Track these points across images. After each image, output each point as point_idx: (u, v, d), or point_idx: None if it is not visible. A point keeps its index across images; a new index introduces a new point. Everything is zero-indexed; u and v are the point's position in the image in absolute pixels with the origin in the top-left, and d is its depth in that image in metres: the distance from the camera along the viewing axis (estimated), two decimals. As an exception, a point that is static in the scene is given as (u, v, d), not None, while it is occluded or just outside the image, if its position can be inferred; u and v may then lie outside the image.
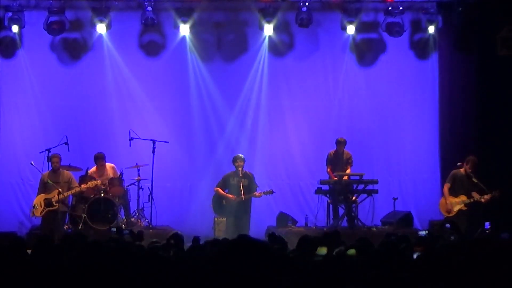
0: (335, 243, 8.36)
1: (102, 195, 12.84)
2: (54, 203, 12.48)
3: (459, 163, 12.97)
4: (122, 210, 13.36)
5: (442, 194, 13.15)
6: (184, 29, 14.40)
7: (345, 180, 13.62)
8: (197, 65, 14.81)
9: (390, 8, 14.46)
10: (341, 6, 14.70)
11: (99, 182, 12.82)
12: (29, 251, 6.49)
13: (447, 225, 11.55)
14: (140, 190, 13.51)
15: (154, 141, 13.60)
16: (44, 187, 12.67)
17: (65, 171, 12.91)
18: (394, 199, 14.01)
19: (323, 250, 7.07)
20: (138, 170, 13.50)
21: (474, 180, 12.63)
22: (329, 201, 13.61)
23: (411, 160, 15.10)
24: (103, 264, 4.26)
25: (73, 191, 12.72)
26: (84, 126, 14.61)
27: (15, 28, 13.97)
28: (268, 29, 14.52)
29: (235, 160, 13.38)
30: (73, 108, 14.59)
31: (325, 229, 12.38)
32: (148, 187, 13.53)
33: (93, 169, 13.33)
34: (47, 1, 14.13)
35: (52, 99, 14.53)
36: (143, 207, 13.57)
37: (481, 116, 14.40)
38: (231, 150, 14.27)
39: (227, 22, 14.92)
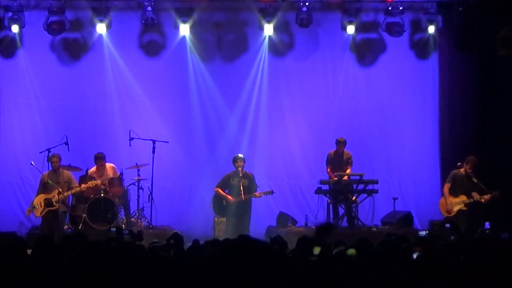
0: (328, 236, 8.40)
1: (102, 195, 12.85)
2: (54, 203, 12.48)
3: (459, 163, 12.98)
4: (122, 210, 13.36)
5: (442, 194, 13.16)
6: (184, 29, 14.40)
7: (345, 180, 13.61)
8: (197, 65, 14.81)
9: (390, 8, 14.46)
10: (341, 6, 14.69)
11: (99, 182, 12.82)
12: (29, 251, 6.49)
13: (447, 225, 11.56)
14: (140, 190, 13.51)
15: (154, 141, 13.60)
16: (44, 187, 12.67)
17: (65, 171, 12.91)
18: (394, 199, 14.02)
19: (317, 250, 7.08)
20: (138, 170, 13.49)
21: (474, 180, 12.63)
22: (329, 201, 13.61)
23: (411, 160, 15.10)
24: (103, 264, 4.26)
25: (73, 191, 12.72)
26: (84, 126, 14.61)
27: (15, 28, 13.97)
28: (268, 29, 14.52)
29: (235, 160, 13.38)
30: (73, 108, 14.59)
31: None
32: (148, 187, 13.53)
33: (93, 169, 13.33)
34: (47, 1, 14.12)
35: (52, 99, 14.52)
36: (143, 207, 13.57)
37: (481, 116, 14.40)
38: (231, 150, 14.26)
39: (227, 22, 14.92)
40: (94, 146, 14.00)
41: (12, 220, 13.95)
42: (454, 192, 12.79)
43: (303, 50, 15.01)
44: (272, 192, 13.44)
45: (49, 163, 12.86)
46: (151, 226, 13.17)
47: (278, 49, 14.95)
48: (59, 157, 12.80)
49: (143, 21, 14.25)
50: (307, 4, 14.25)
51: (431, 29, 14.66)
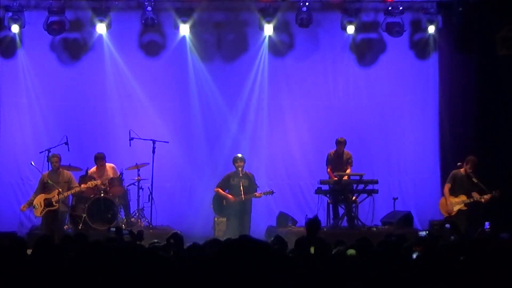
0: (319, 230, 8.46)
1: (102, 195, 12.85)
2: (54, 203, 12.48)
3: (459, 163, 12.98)
4: (122, 210, 13.36)
5: (443, 194, 13.16)
6: (184, 29, 14.40)
7: (345, 180, 13.61)
8: (197, 65, 14.81)
9: (390, 8, 14.46)
10: (341, 6, 14.69)
11: (99, 182, 12.82)
12: (29, 251, 6.49)
13: (447, 225, 11.56)
14: (140, 190, 13.51)
15: (154, 141, 13.60)
16: (43, 187, 12.67)
17: (65, 171, 12.91)
18: (394, 199, 14.02)
19: (312, 249, 7.11)
20: (138, 170, 13.49)
21: (474, 180, 12.63)
22: (329, 201, 13.61)
23: (411, 160, 15.11)
24: (103, 264, 4.26)
25: (73, 191, 12.72)
26: (84, 126, 14.61)
27: (15, 28, 13.97)
28: (268, 29, 14.52)
29: (235, 160, 13.38)
30: (73, 108, 14.59)
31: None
32: (148, 187, 13.53)
33: (93, 169, 13.33)
34: (47, 1, 14.13)
35: (52, 99, 14.52)
36: (143, 207, 13.57)
37: (481, 116, 14.40)
38: (231, 150, 14.26)
39: (227, 22, 14.92)
40: (94, 146, 14.00)
41: (12, 220, 13.94)
42: (454, 192, 12.79)
43: (303, 50, 15.01)
44: (272, 192, 13.44)
45: (49, 163, 12.86)
46: (151, 226, 13.17)
47: (278, 49, 14.95)
48: (59, 157, 12.79)
49: (143, 21, 14.25)
50: (307, 4, 14.25)
51: (431, 29, 14.66)
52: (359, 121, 15.04)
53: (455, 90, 14.78)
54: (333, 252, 6.90)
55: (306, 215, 13.80)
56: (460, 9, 14.29)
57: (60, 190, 12.46)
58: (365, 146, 14.90)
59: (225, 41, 14.94)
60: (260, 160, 14.67)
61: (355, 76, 15.12)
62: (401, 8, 14.44)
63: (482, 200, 12.57)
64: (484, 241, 6.26)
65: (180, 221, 13.78)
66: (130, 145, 13.55)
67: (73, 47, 14.63)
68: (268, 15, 14.42)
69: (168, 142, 13.95)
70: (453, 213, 12.67)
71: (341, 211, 13.61)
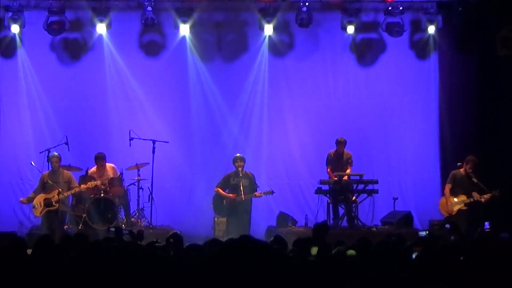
0: (326, 235, 8.46)
1: (102, 195, 12.85)
2: (53, 203, 12.49)
3: (459, 163, 12.98)
4: (122, 210, 13.36)
5: (443, 194, 13.16)
6: (184, 29, 14.40)
7: (345, 180, 13.61)
8: (197, 65, 14.81)
9: (390, 8, 14.46)
10: (341, 6, 14.69)
11: (98, 182, 12.82)
12: (29, 251, 6.49)
13: (447, 225, 11.56)
14: (140, 190, 13.51)
15: (154, 141, 13.60)
16: (43, 187, 12.67)
17: (65, 171, 12.91)
18: (394, 199, 14.02)
19: (314, 250, 7.10)
20: (138, 170, 13.49)
21: (474, 180, 12.63)
22: (329, 201, 13.61)
23: (411, 160, 15.10)
24: (103, 264, 4.26)
25: (72, 191, 12.73)
26: (84, 126, 14.61)
27: (15, 28, 13.97)
28: (268, 29, 14.52)
29: (235, 160, 13.38)
30: (73, 108, 14.59)
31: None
32: (148, 187, 13.53)
33: (93, 169, 13.34)
34: (47, 1, 14.12)
35: (52, 99, 14.52)
36: (143, 207, 13.57)
37: (481, 116, 14.40)
38: (231, 150, 14.26)
39: (227, 22, 14.92)
40: (94, 146, 14.00)
41: (12, 220, 13.93)
42: (454, 192, 12.80)
43: (303, 50, 15.01)
44: (272, 192, 13.44)
45: (49, 163, 12.86)
46: (151, 226, 13.17)
47: (278, 49, 14.95)
48: (59, 157, 12.80)
49: (143, 21, 14.25)
50: (307, 4, 14.25)
51: (431, 29, 14.66)
52: (359, 121, 15.04)
53: (455, 90, 14.78)
54: (333, 252, 6.90)
55: (306, 215, 13.85)
56: (460, 9, 14.29)
57: (60, 190, 12.47)
58: (365, 146, 14.90)
59: (225, 41, 14.94)
60: (260, 160, 14.68)
61: (355, 76, 15.12)
62: (401, 8, 14.44)
63: (482, 199, 12.57)
64: (484, 241, 6.27)
65: (180, 221, 13.78)
66: (130, 145, 13.55)
67: (73, 47, 14.63)
68: (268, 15, 14.41)
69: (168, 142, 13.95)
70: (453, 213, 12.68)
71: (341, 211, 13.61)
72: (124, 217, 13.29)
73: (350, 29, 14.53)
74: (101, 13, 14.11)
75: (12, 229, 13.20)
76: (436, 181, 14.74)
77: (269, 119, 15.04)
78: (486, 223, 12.41)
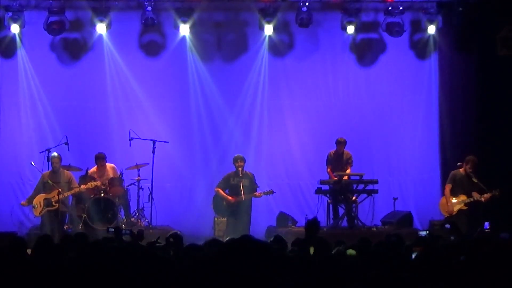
0: (318, 231, 8.49)
1: (102, 195, 12.85)
2: (53, 203, 12.49)
3: (459, 163, 12.98)
4: (122, 210, 13.36)
5: (443, 194, 13.16)
6: (184, 29, 14.39)
7: (345, 180, 13.61)
8: (197, 65, 14.81)
9: (390, 8, 14.45)
10: (341, 6, 14.69)
11: (98, 183, 12.81)
12: (29, 251, 6.49)
13: (447, 225, 11.56)
14: (140, 190, 13.51)
15: (154, 141, 13.60)
16: (43, 187, 12.67)
17: (66, 172, 12.92)
18: (394, 199, 14.01)
19: (312, 250, 7.11)
20: (138, 170, 13.49)
21: (474, 180, 12.63)
22: (329, 201, 13.61)
23: (411, 160, 15.10)
24: (103, 264, 4.26)
25: (72, 191, 12.73)
26: (84, 126, 14.61)
27: (15, 28, 13.97)
28: (268, 29, 14.51)
29: (235, 160, 13.38)
30: (73, 108, 14.59)
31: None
32: (148, 187, 13.53)
33: (94, 169, 13.34)
34: (47, 1, 14.12)
35: (52, 99, 14.52)
36: (143, 207, 13.57)
37: (481, 116, 14.40)
38: (231, 150, 14.26)
39: (227, 22, 14.92)
40: (94, 146, 14.00)
41: (12, 220, 13.93)
42: (454, 192, 12.80)
43: (303, 50, 15.00)
44: (272, 192, 13.44)
45: (49, 163, 12.86)
46: (151, 226, 13.17)
47: (278, 49, 14.95)
48: (60, 157, 12.81)
49: (143, 21, 14.25)
50: (307, 4, 14.25)
51: (431, 29, 14.65)
52: (359, 121, 15.04)
53: (455, 90, 14.77)
54: (333, 252, 6.90)
55: (306, 215, 13.80)
56: (460, 9, 14.29)
57: (60, 190, 12.47)
58: (365, 146, 14.90)
59: (225, 41, 14.93)
60: (260, 160, 14.67)
61: (355, 76, 15.12)
62: (401, 8, 14.43)
63: (482, 199, 12.57)
64: (484, 241, 6.26)
65: (180, 221, 13.78)
66: (130, 145, 13.55)
67: (73, 47, 14.63)
68: (268, 15, 14.41)
69: (168, 142, 13.95)
70: (454, 213, 12.68)
71: (341, 211, 13.61)
72: (124, 217, 13.29)
73: (350, 29, 14.53)
74: (101, 13, 14.11)
75: (12, 229, 13.20)
76: (436, 181, 14.74)
77: (269, 119, 15.03)
78: (486, 223, 12.41)
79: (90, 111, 14.63)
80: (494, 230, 12.01)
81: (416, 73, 15.17)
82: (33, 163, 13.06)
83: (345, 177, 13.64)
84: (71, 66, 14.65)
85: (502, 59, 14.13)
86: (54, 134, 13.97)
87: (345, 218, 13.50)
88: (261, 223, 13.75)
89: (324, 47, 15.06)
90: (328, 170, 13.88)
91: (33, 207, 12.68)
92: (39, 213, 12.64)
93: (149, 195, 13.46)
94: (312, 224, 9.06)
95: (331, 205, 13.59)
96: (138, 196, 13.47)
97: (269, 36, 14.73)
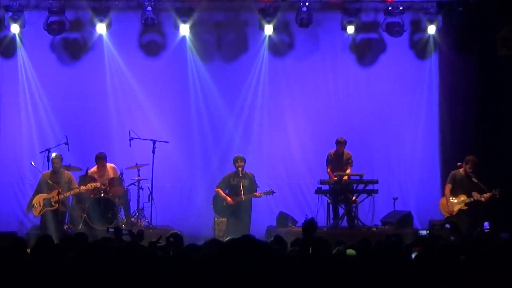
0: (315, 231, 8.50)
1: (102, 195, 12.85)
2: (53, 203, 12.50)
3: (459, 163, 12.98)
4: (122, 210, 13.36)
5: (443, 194, 13.16)
6: (184, 29, 14.40)
7: (345, 180, 13.62)
8: (197, 65, 14.81)
9: (390, 8, 14.45)
10: (341, 6, 14.69)
11: (98, 184, 12.79)
12: (29, 251, 6.49)
13: (447, 225, 11.56)
14: (140, 190, 13.51)
15: (154, 141, 13.60)
16: (43, 187, 12.67)
17: (66, 172, 12.92)
18: (394, 199, 14.01)
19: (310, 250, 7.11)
20: (138, 170, 13.49)
21: (474, 180, 12.63)
22: (329, 201, 13.61)
23: (411, 160, 15.10)
24: (103, 264, 4.26)
25: (72, 192, 12.73)
26: (84, 126, 14.61)
27: (15, 28, 13.97)
28: (268, 29, 14.51)
29: (235, 160, 13.38)
30: (73, 108, 14.59)
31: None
32: (148, 187, 13.53)
33: (94, 168, 13.34)
34: (47, 1, 14.12)
35: (52, 99, 14.53)
36: (143, 207, 13.57)
37: (481, 116, 14.40)
38: (231, 150, 14.27)
39: (227, 22, 14.92)
40: (94, 146, 14.01)
41: (12, 220, 13.94)
42: (454, 192, 12.80)
43: (303, 50, 15.01)
44: (272, 192, 13.44)
45: (49, 163, 12.87)
46: (151, 226, 13.17)
47: (278, 49, 14.95)
48: (61, 157, 12.82)
49: (143, 21, 14.25)
50: (307, 4, 14.25)
51: (431, 29, 14.65)
52: (359, 121, 15.04)
53: (455, 90, 14.77)
54: (333, 252, 6.90)
55: (306, 215, 13.80)
56: (460, 9, 14.29)
57: (61, 190, 12.47)
58: (365, 146, 14.90)
59: (225, 41, 14.94)
60: (260, 160, 14.67)
61: (355, 76, 15.12)
62: (401, 8, 14.44)
63: (482, 199, 12.57)
64: (484, 241, 6.27)
65: (180, 221, 13.77)
66: (130, 145, 13.54)
67: (73, 47, 14.64)
68: (268, 15, 14.41)
69: (168, 142, 13.95)
70: (454, 213, 12.68)
71: (341, 211, 13.61)
72: (124, 217, 13.29)
73: (350, 29, 14.53)
74: (101, 13, 14.11)
75: (12, 229, 13.21)
76: (436, 181, 14.74)
77: (269, 119, 15.03)
78: (486, 223, 12.41)
79: (90, 111, 14.63)
80: (494, 230, 12.01)
81: (416, 73, 15.17)
82: (33, 163, 13.07)
83: (345, 177, 13.64)
84: (71, 66, 14.65)
85: (502, 59, 14.13)
86: (54, 134, 13.98)
87: (345, 218, 13.50)
88: (261, 223, 13.74)
89: (324, 47, 15.06)
90: (328, 170, 13.88)
91: (33, 206, 12.68)
92: (38, 213, 12.65)
93: (149, 195, 13.46)
94: (309, 225, 9.07)
95: (331, 205, 13.59)
96: (138, 196, 13.47)
97: (269, 36, 14.73)
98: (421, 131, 15.13)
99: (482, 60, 14.38)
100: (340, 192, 13.54)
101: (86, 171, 13.20)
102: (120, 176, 13.33)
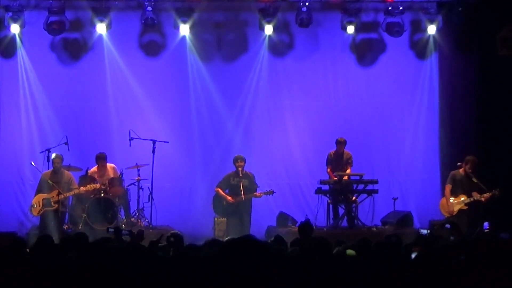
0: (311, 233, 8.52)
1: (102, 195, 12.85)
2: (52, 203, 12.50)
3: (459, 163, 12.98)
4: (122, 210, 13.36)
5: (443, 195, 13.16)
6: (184, 29, 14.40)
7: (345, 180, 13.62)
8: (197, 65, 14.81)
9: (390, 8, 14.45)
10: (341, 6, 14.69)
11: (97, 186, 12.79)
12: (29, 251, 6.49)
13: (447, 226, 11.55)
14: (140, 190, 13.51)
15: (154, 141, 13.60)
16: (43, 187, 12.67)
17: (66, 172, 12.93)
18: (394, 199, 14.01)
19: None
20: (138, 170, 13.50)
21: (474, 180, 12.63)
22: (329, 201, 13.61)
23: (411, 160, 15.10)
24: (103, 264, 4.26)
25: (72, 192, 12.74)
26: (84, 126, 14.62)
27: (15, 28, 13.97)
28: (268, 29, 14.51)
29: (235, 160, 13.38)
30: (73, 108, 14.60)
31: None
32: (148, 187, 13.53)
33: (94, 168, 13.34)
34: (47, 1, 14.12)
35: (52, 99, 14.53)
36: (143, 207, 13.57)
37: (481, 116, 14.40)
38: (231, 150, 14.27)
39: (227, 22, 14.92)
40: (94, 146, 14.01)
41: (12, 220, 13.95)
42: (454, 193, 12.81)
43: (303, 50, 15.01)
44: (272, 192, 13.45)
45: (49, 163, 12.87)
46: (151, 226, 13.18)
47: (278, 49, 14.96)
48: (61, 157, 12.83)
49: (143, 21, 14.25)
50: (307, 4, 14.25)
51: (431, 29, 14.65)
52: (359, 121, 15.05)
53: (455, 90, 14.77)
54: (333, 252, 6.90)
55: (306, 215, 13.83)
56: (460, 9, 14.29)
57: (61, 190, 12.47)
58: (365, 146, 14.90)
59: (225, 41, 14.94)
60: (260, 160, 14.67)
61: (355, 76, 15.13)
62: (401, 8, 14.44)
63: (482, 199, 12.57)
64: (484, 241, 6.27)
65: (180, 221, 13.78)
66: (130, 145, 13.55)
67: (73, 47, 14.64)
68: (268, 15, 14.41)
69: (168, 142, 13.96)
70: (454, 213, 12.68)
71: (341, 211, 13.62)
72: (124, 217, 13.29)
73: (350, 29, 14.53)
74: (101, 13, 14.11)
75: (12, 229, 13.21)
76: (436, 181, 14.75)
77: (269, 119, 15.04)
78: (486, 223, 12.41)
79: (90, 111, 14.64)
80: (494, 230, 12.01)
81: (416, 73, 15.17)
82: (33, 163, 13.08)
83: (345, 177, 13.64)
84: (71, 66, 14.65)
85: (502, 59, 14.13)
86: (54, 134, 13.98)
87: (345, 218, 13.50)
88: (261, 223, 13.75)
89: (324, 47, 15.06)
90: (328, 170, 13.88)
91: (32, 206, 12.69)
92: (37, 213, 12.65)
93: (149, 195, 13.46)
94: (305, 226, 9.11)
95: (331, 205, 13.59)
96: (138, 196, 13.47)
97: (269, 36, 14.73)
98: (421, 131, 15.14)
99: (482, 60, 14.39)
100: (340, 192, 13.54)
101: (86, 171, 13.21)
102: (120, 176, 13.34)
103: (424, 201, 14.68)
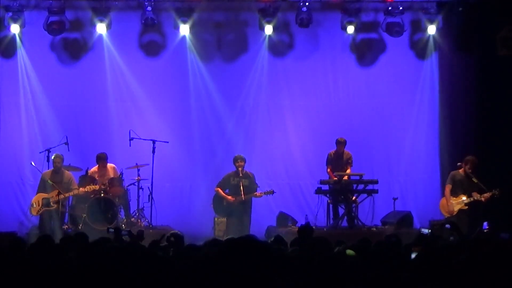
0: (311, 236, 8.53)
1: (102, 195, 12.85)
2: (52, 203, 12.50)
3: (459, 163, 12.98)
4: (122, 210, 13.36)
5: (443, 195, 13.16)
6: (184, 29, 14.40)
7: (345, 180, 13.62)
8: (197, 65, 14.81)
9: (390, 8, 14.45)
10: (341, 6, 14.69)
11: (97, 187, 12.79)
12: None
13: (447, 226, 11.55)
14: (140, 190, 13.51)
15: (154, 141, 13.60)
16: (44, 187, 12.68)
17: (66, 172, 12.94)
18: (394, 199, 14.02)
19: None
20: (138, 170, 13.50)
21: (474, 180, 12.63)
22: (329, 201, 13.61)
23: (411, 160, 15.10)
24: (103, 264, 4.26)
25: (71, 193, 12.74)
26: (84, 126, 14.62)
27: (15, 28, 13.97)
28: (268, 29, 14.51)
29: (235, 160, 13.39)
30: (73, 108, 14.60)
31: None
32: (148, 187, 13.53)
33: (94, 168, 13.34)
34: (47, 1, 14.13)
35: (52, 99, 14.53)
36: (143, 207, 13.57)
37: (481, 116, 14.40)
38: (231, 150, 14.27)
39: (227, 22, 14.92)
40: (94, 146, 14.01)
41: (12, 220, 13.95)
42: (454, 193, 12.81)
43: (303, 50, 15.01)
44: (272, 192, 13.45)
45: (49, 163, 12.87)
46: (151, 226, 13.18)
47: (278, 49, 14.96)
48: (62, 157, 12.84)
49: (143, 21, 14.25)
50: (307, 4, 14.25)
51: (431, 29, 14.66)
52: (359, 121, 15.05)
53: (455, 90, 14.78)
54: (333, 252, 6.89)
55: (306, 215, 13.85)
56: (460, 9, 14.30)
57: (61, 190, 12.48)
58: (365, 146, 14.90)
59: (225, 41, 14.94)
60: (260, 160, 14.67)
61: (355, 76, 15.13)
62: (401, 8, 14.44)
63: (482, 199, 12.57)
64: (484, 241, 6.26)
65: (180, 221, 13.78)
66: (130, 145, 13.55)
67: (73, 47, 14.64)
68: (268, 15, 14.41)
69: (168, 142, 13.96)
70: (454, 213, 12.68)
71: (341, 211, 13.62)
72: (124, 217, 13.29)
73: (350, 29, 14.53)
74: (101, 13, 14.11)
75: (12, 229, 13.21)
76: (436, 181, 14.75)
77: (269, 119, 15.04)
78: (485, 223, 12.41)
79: (90, 111, 14.64)
80: (493, 230, 12.01)
81: (416, 73, 15.17)
82: (33, 163, 13.07)
83: (345, 177, 13.64)
84: (71, 66, 14.65)
85: (502, 59, 14.14)
86: (54, 134, 13.98)
87: (345, 218, 13.50)
88: (261, 223, 13.75)
89: (324, 47, 15.06)
90: (328, 170, 13.88)
91: (32, 206, 12.69)
92: (37, 213, 12.66)
93: (149, 195, 13.46)
94: (305, 229, 9.11)
95: (331, 205, 13.59)
96: (138, 196, 13.48)
97: (269, 36, 14.73)
98: (421, 131, 15.14)
99: (482, 60, 14.39)
100: (340, 192, 13.54)
101: (86, 171, 13.21)
102: (120, 176, 13.34)
103: (424, 201, 14.69)
